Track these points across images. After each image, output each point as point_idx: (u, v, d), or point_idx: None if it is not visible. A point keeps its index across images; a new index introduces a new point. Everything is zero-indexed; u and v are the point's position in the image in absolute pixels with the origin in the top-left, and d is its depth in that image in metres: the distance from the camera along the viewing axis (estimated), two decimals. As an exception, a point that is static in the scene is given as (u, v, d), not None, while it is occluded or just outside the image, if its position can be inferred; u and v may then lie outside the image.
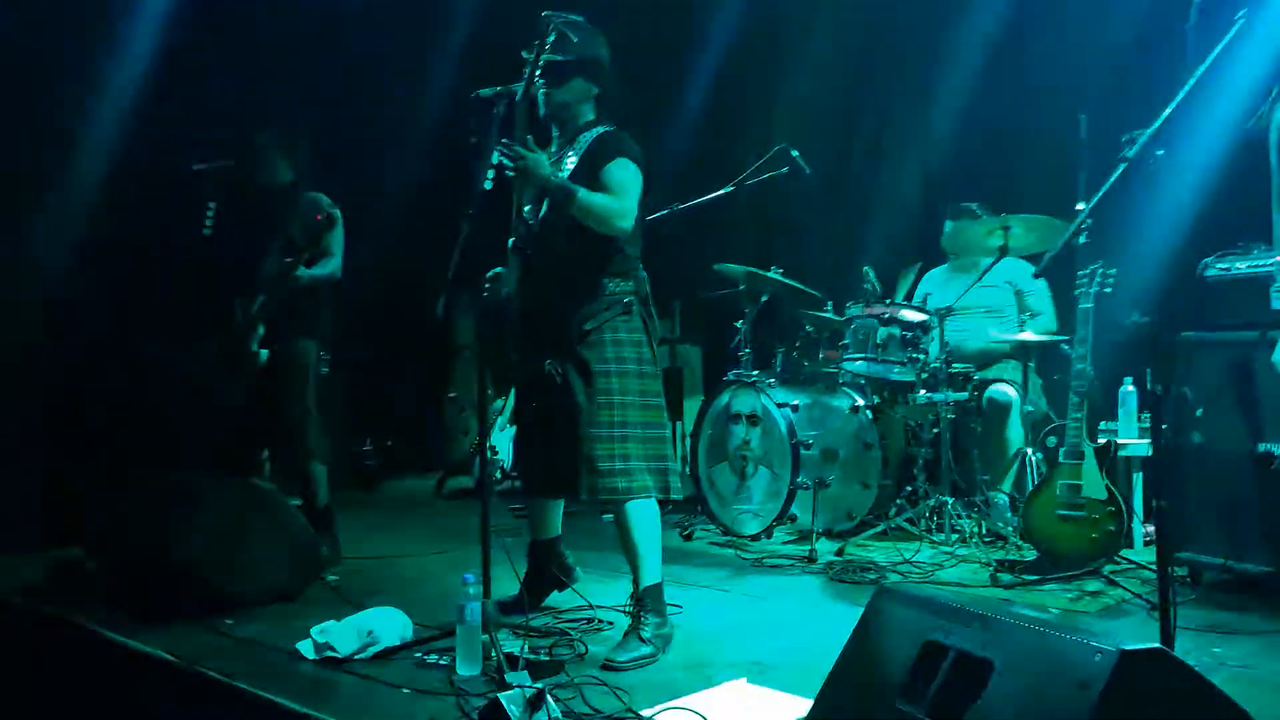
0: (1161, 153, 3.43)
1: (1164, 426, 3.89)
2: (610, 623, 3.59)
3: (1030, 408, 4.69)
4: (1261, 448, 3.66)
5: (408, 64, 7.12)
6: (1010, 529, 4.47)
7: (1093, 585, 3.96)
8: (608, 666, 3.15)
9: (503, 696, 2.65)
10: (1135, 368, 4.54)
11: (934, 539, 4.66)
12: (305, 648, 3.30)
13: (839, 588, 4.16)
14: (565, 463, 3.43)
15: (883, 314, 4.83)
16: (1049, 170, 4.97)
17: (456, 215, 3.39)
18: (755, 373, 5.12)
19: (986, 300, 5.02)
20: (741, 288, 5.22)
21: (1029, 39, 5.32)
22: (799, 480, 4.76)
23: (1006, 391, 4.72)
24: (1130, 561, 4.10)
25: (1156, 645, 1.91)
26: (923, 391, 4.78)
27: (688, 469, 5.24)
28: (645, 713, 2.73)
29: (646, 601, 3.39)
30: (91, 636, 3.57)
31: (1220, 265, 3.87)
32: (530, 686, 2.73)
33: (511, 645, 3.31)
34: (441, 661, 3.20)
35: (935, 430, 4.74)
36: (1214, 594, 3.77)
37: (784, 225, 5.96)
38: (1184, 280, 4.05)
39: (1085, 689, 1.86)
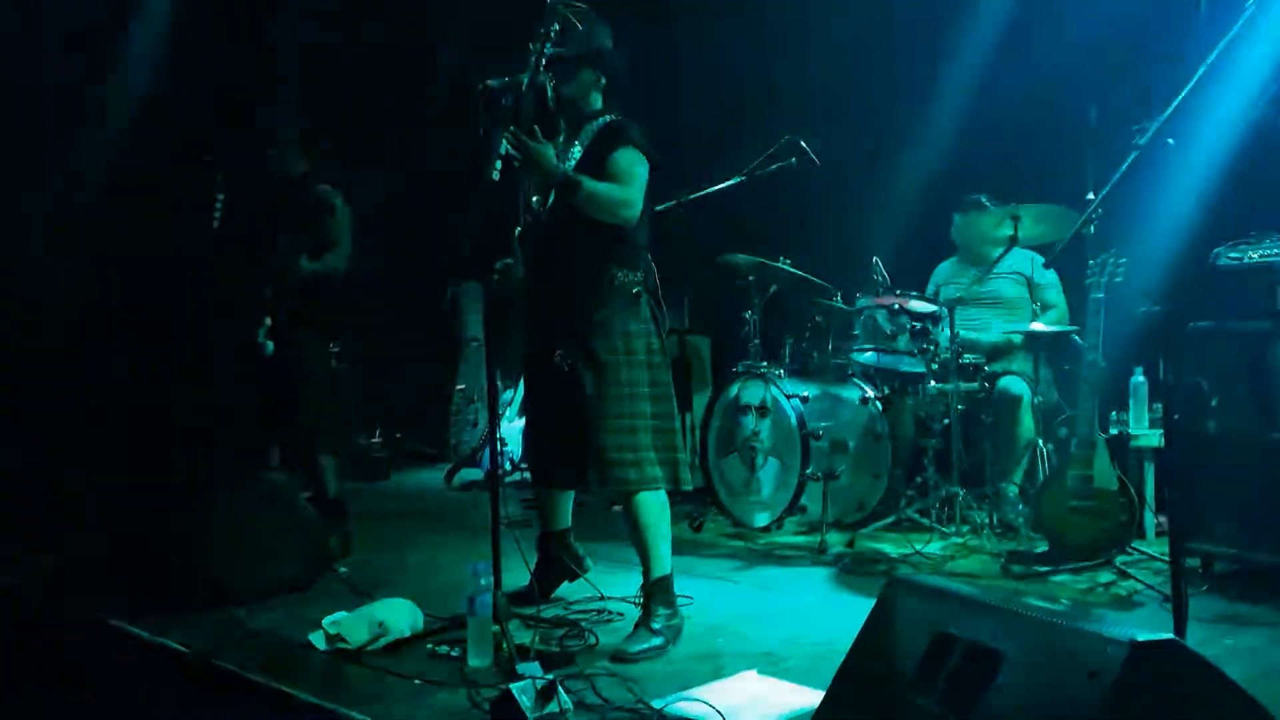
0: (1172, 141, 3.41)
1: (1176, 417, 3.87)
2: (621, 614, 3.59)
3: (1041, 399, 4.67)
4: (1275, 436, 3.64)
5: (414, 54, 7.12)
6: (1021, 520, 4.45)
7: (1105, 576, 3.95)
8: (618, 658, 3.16)
9: (514, 687, 2.67)
10: (1147, 358, 4.52)
11: (945, 530, 4.65)
12: (317, 639, 3.31)
13: (849, 579, 4.16)
14: (575, 454, 3.44)
15: (892, 305, 4.82)
16: (1058, 160, 4.94)
17: (464, 206, 3.39)
18: (764, 364, 5.11)
19: (996, 291, 5.00)
20: (751, 279, 5.20)
21: (1038, 28, 5.28)
22: (809, 471, 4.75)
23: (1018, 383, 4.70)
24: (1142, 552, 4.08)
25: (1169, 636, 1.90)
26: (933, 383, 4.77)
27: (697, 460, 5.23)
28: (656, 704, 2.74)
29: (656, 593, 3.39)
30: (103, 628, 3.58)
31: (1233, 254, 3.85)
32: (541, 677, 2.73)
33: (522, 636, 3.32)
34: (452, 653, 3.21)
35: (945, 421, 4.73)
36: (1227, 585, 3.75)
37: (793, 216, 5.94)
38: (1195, 269, 4.03)
39: (1097, 680, 1.85)
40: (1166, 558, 3.79)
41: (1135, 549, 4.07)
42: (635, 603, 3.52)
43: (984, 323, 4.98)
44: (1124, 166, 3.43)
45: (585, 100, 3.53)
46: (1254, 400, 3.74)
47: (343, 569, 4.34)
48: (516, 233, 3.67)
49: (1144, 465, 4.59)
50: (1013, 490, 4.65)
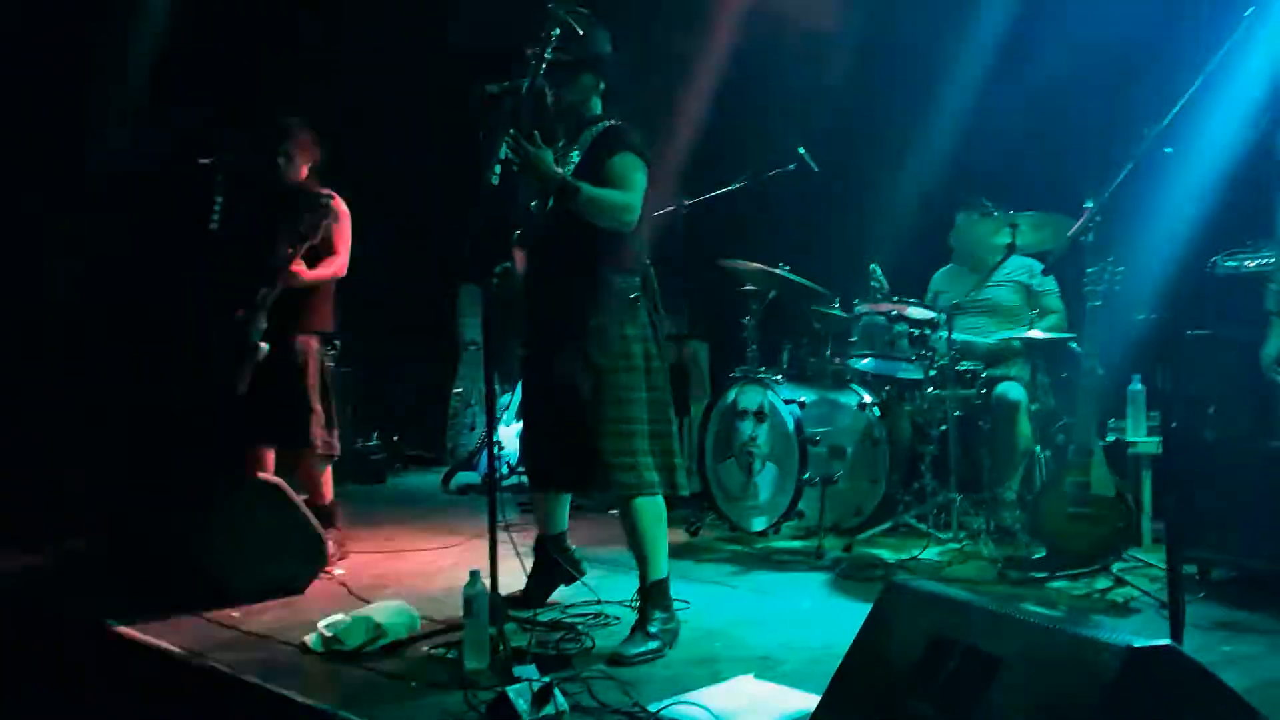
0: (1170, 150, 3.42)
1: (1173, 424, 3.89)
2: (617, 618, 3.59)
3: (1038, 405, 4.68)
4: (1272, 444, 3.65)
5: (412, 57, 7.12)
6: (1018, 526, 4.46)
7: (1102, 583, 3.95)
8: (615, 661, 3.15)
9: (510, 690, 2.66)
10: (1144, 365, 4.53)
11: (941, 536, 4.66)
12: (313, 641, 3.31)
13: (846, 584, 4.16)
14: (572, 458, 3.44)
15: (890, 311, 4.82)
16: (1057, 168, 4.95)
17: (462, 209, 3.39)
18: (762, 369, 5.11)
19: (994, 298, 5.00)
20: (749, 285, 5.21)
21: (1037, 36, 5.30)
22: (806, 477, 4.75)
23: (1015, 388, 4.71)
24: (1139, 559, 4.08)
25: (1166, 642, 1.91)
26: (930, 389, 4.77)
27: (694, 465, 5.23)
28: (652, 707, 2.73)
29: (653, 596, 3.39)
30: (98, 629, 3.57)
31: (1230, 263, 3.86)
32: (537, 680, 2.73)
33: (519, 639, 3.32)
34: (449, 655, 3.21)
35: (943, 427, 4.73)
36: (1224, 592, 3.76)
37: (792, 222, 5.94)
38: (1193, 278, 4.04)
39: (1094, 686, 1.86)
40: (1163, 564, 3.81)
41: (1132, 556, 4.08)
42: (632, 606, 3.51)
43: (981, 329, 4.98)
44: (1121, 175, 3.45)
45: (585, 105, 3.54)
46: (1251, 408, 3.75)
47: (339, 571, 4.35)
48: (515, 236, 3.67)
49: (1141, 472, 4.59)
50: (1010, 496, 4.65)
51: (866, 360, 4.96)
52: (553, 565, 3.82)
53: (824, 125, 5.69)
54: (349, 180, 4.79)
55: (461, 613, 3.11)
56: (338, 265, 4.55)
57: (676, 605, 3.48)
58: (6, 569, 4.33)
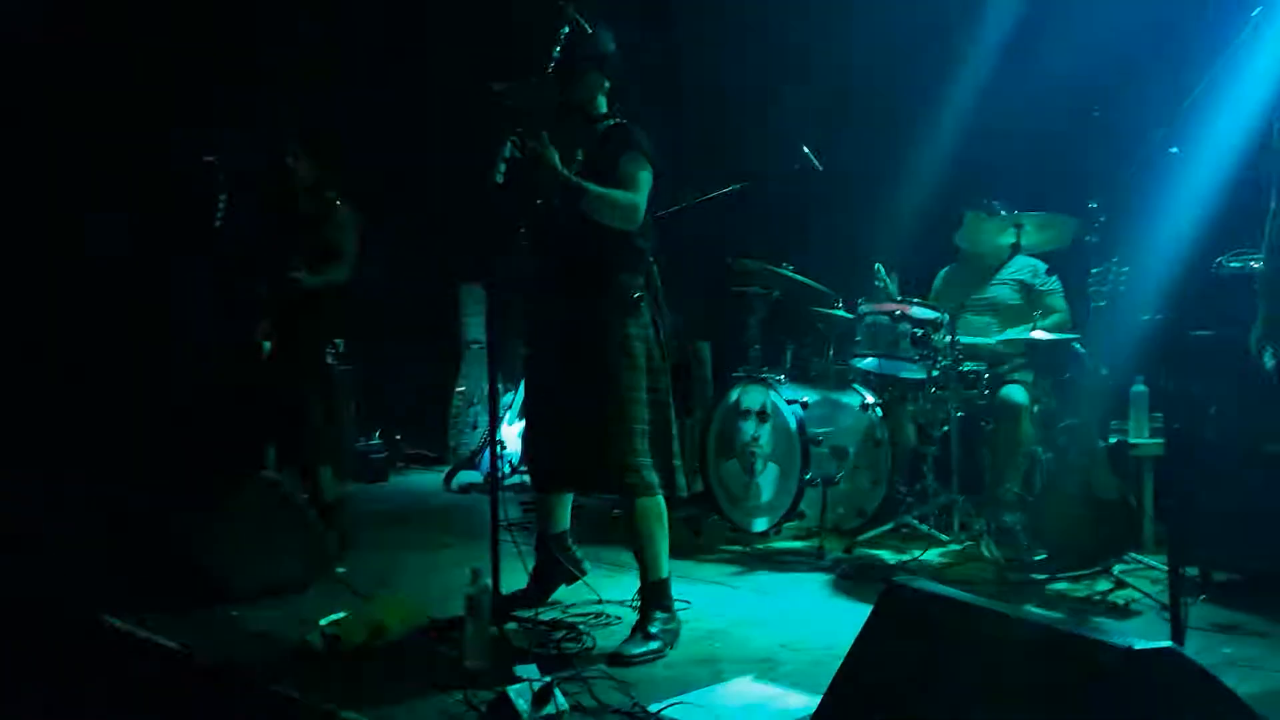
0: (1176, 150, 3.42)
1: (1176, 426, 3.88)
2: (618, 618, 3.59)
3: (1040, 407, 4.67)
4: (1274, 447, 3.64)
5: (418, 55, 7.12)
6: (1020, 528, 4.45)
7: (1103, 585, 3.95)
8: (615, 661, 3.15)
9: (510, 689, 2.67)
10: (1148, 366, 4.52)
11: (943, 537, 4.65)
12: (315, 639, 3.31)
13: (847, 585, 4.15)
14: (574, 457, 3.44)
15: (894, 311, 4.82)
16: (1062, 168, 4.95)
17: (467, 208, 3.39)
18: (765, 369, 5.11)
19: (998, 298, 4.99)
20: (753, 285, 5.20)
21: (1043, 37, 5.29)
22: (808, 477, 4.74)
23: (1019, 390, 4.70)
24: (1140, 561, 4.08)
25: (1168, 644, 1.90)
26: (933, 389, 4.76)
27: (696, 465, 5.23)
28: (653, 708, 2.73)
29: (654, 597, 3.39)
30: (101, 626, 3.58)
31: (1235, 264, 3.85)
32: (538, 680, 2.73)
33: (520, 639, 3.32)
34: (450, 654, 3.20)
35: (945, 428, 4.73)
36: (1225, 594, 3.75)
37: (795, 222, 5.94)
38: (1198, 278, 4.03)
39: (1095, 688, 1.85)
40: (1165, 566, 3.80)
41: (1133, 558, 4.07)
42: (633, 606, 3.51)
43: (985, 330, 4.97)
44: (1127, 175, 3.45)
45: (591, 103, 3.54)
46: (1254, 410, 3.74)
47: (341, 570, 4.34)
48: (520, 235, 3.67)
49: (1143, 474, 4.58)
50: (1011, 498, 4.64)
51: (869, 360, 4.95)
52: (554, 565, 3.82)
53: (828, 124, 5.68)
54: (351, 179, 4.80)
55: (463, 611, 3.11)
56: (343, 272, 4.55)
57: (678, 605, 3.48)
58: (6, 568, 4.33)
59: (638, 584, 3.47)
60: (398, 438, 7.66)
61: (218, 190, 4.60)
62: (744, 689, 2.92)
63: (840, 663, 2.37)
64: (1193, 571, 3.83)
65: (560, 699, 2.70)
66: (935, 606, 2.29)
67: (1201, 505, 3.74)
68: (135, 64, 6.00)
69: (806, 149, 5.05)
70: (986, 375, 4.77)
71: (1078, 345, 4.44)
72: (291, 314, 4.48)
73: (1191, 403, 3.88)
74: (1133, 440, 4.51)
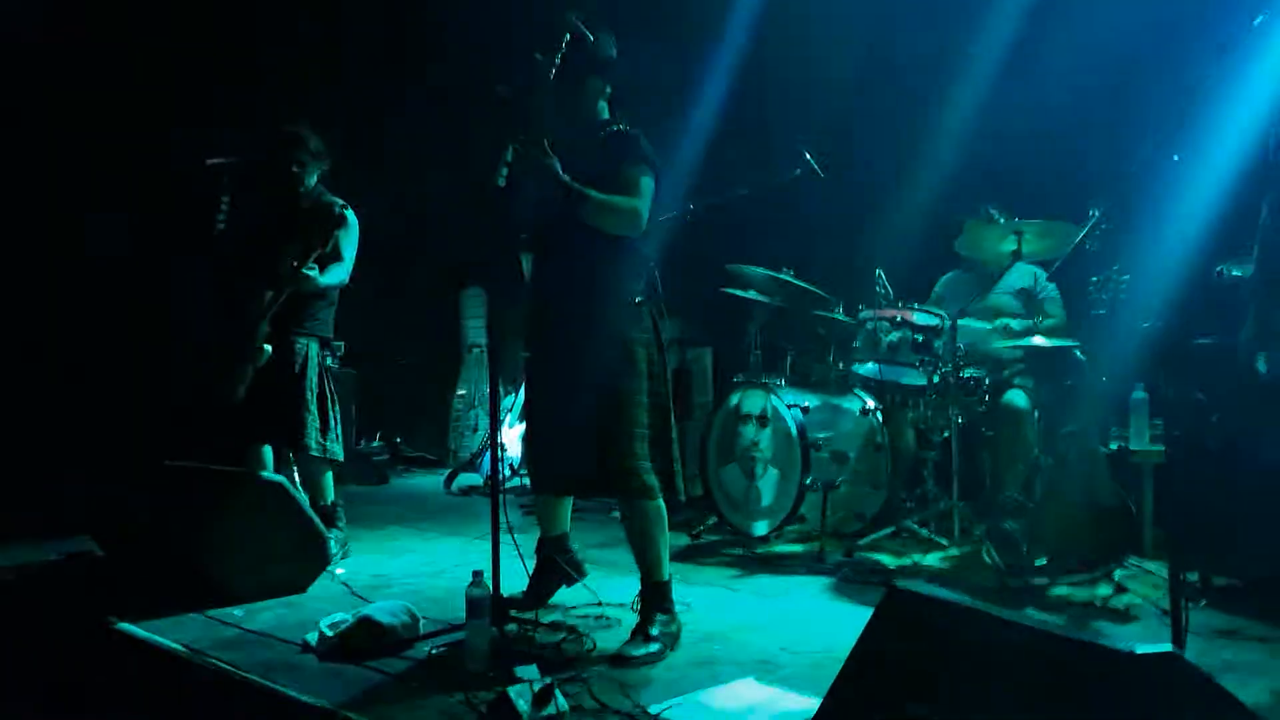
0: (1178, 158, 3.42)
1: (1176, 432, 3.88)
2: (619, 619, 3.59)
3: (1041, 412, 4.67)
4: (1275, 453, 3.64)
5: (420, 62, 7.13)
6: (1020, 533, 4.45)
7: (1103, 590, 3.94)
8: (616, 662, 3.15)
9: (511, 690, 2.67)
10: (1148, 373, 4.52)
11: (943, 542, 4.65)
12: (314, 640, 3.31)
13: (848, 589, 4.16)
14: (574, 461, 3.45)
15: (894, 317, 4.82)
16: (1063, 175, 4.96)
17: (468, 212, 3.40)
18: (766, 374, 5.11)
19: (998, 305, 5.00)
20: (754, 290, 5.21)
21: (1045, 44, 5.30)
22: (808, 481, 4.75)
23: (1020, 395, 4.71)
24: (1141, 566, 4.08)
25: (1168, 648, 1.90)
26: (934, 395, 4.77)
27: (697, 469, 5.23)
28: (653, 709, 2.74)
29: (654, 599, 3.40)
30: (100, 627, 3.58)
31: (1236, 271, 3.86)
32: (538, 681, 2.73)
33: (520, 640, 3.32)
34: (450, 656, 3.21)
35: (946, 434, 4.73)
36: (1226, 600, 3.75)
37: (796, 227, 5.95)
38: (1198, 285, 4.03)
39: (1096, 692, 1.85)
40: (1165, 572, 3.80)
41: (1134, 563, 4.08)
42: (633, 608, 3.51)
43: (983, 335, 4.98)
44: (1127, 182, 3.46)
45: (593, 109, 3.54)
46: (1254, 416, 3.74)
47: (340, 571, 4.35)
48: (522, 239, 3.68)
49: (1144, 480, 4.59)
50: (1012, 503, 4.65)
51: (870, 366, 4.96)
52: (554, 567, 3.82)
53: (830, 131, 5.70)
54: (352, 183, 4.80)
55: (464, 613, 3.11)
56: (343, 272, 4.55)
57: (678, 608, 3.48)
58: (8, 568, 4.33)
59: (638, 586, 3.47)
60: (398, 440, 7.68)
61: (220, 192, 4.61)
62: (744, 691, 2.92)
63: (840, 666, 2.38)
64: (1193, 577, 3.83)
65: (560, 700, 2.71)
66: (935, 611, 2.30)
67: (1201, 511, 3.75)
68: (135, 64, 6.01)
69: (809, 155, 5.06)
70: (987, 381, 4.78)
71: (1078, 352, 4.45)
72: (291, 318, 4.48)
73: (1192, 409, 3.88)
74: (1133, 447, 4.52)
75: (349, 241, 4.55)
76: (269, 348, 4.39)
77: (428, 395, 7.68)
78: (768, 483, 4.90)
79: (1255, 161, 3.73)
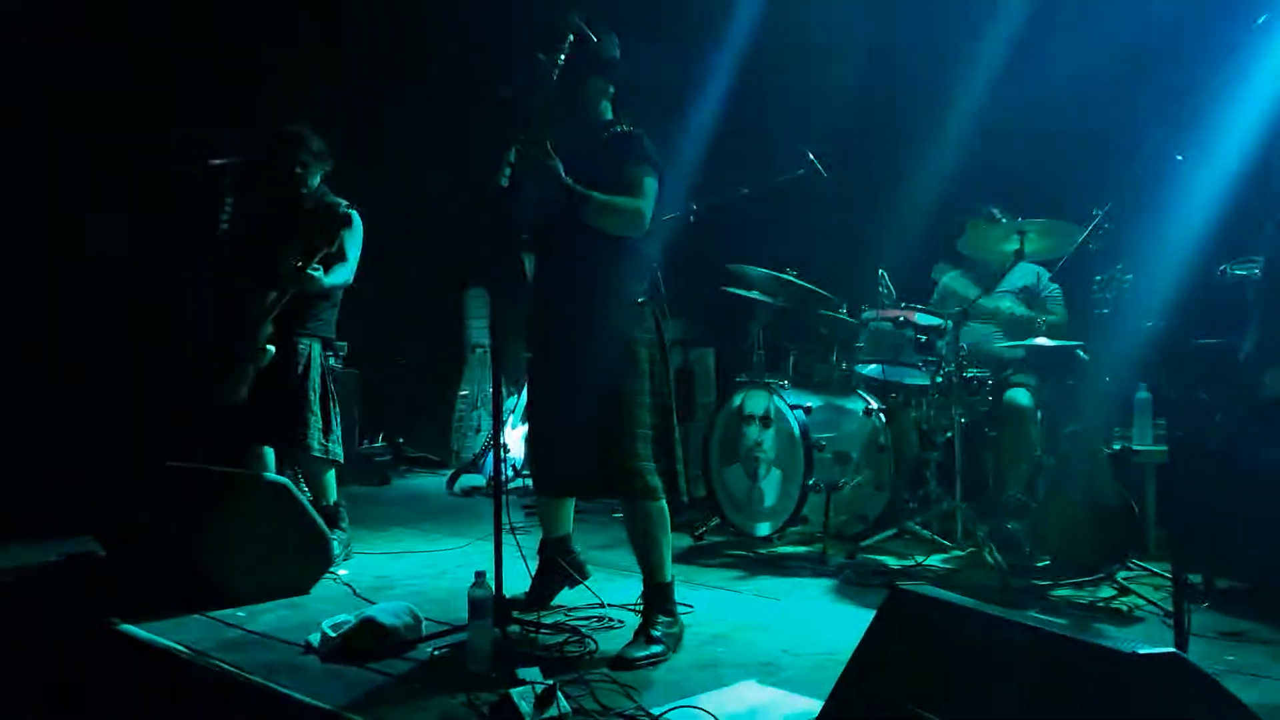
0: (1181, 158, 3.42)
1: (1179, 432, 3.88)
2: (621, 621, 3.58)
3: (1044, 413, 4.67)
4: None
5: (421, 62, 7.14)
6: (1023, 534, 4.45)
7: (1106, 591, 3.94)
8: (618, 664, 3.15)
9: (513, 692, 2.67)
10: (1151, 373, 4.52)
11: (946, 543, 4.65)
12: (317, 642, 3.31)
13: (850, 590, 4.15)
14: (577, 462, 3.44)
15: (897, 317, 4.82)
16: (1067, 175, 4.95)
17: (470, 212, 3.39)
18: (769, 374, 5.11)
19: (1001, 304, 5.00)
20: (756, 290, 5.21)
21: (1047, 44, 5.30)
22: (811, 482, 4.74)
23: (1023, 394, 4.70)
24: (1143, 568, 4.07)
25: (1171, 650, 1.90)
26: (937, 395, 4.76)
27: (699, 470, 5.23)
28: (656, 711, 2.73)
29: (657, 600, 3.39)
30: (103, 627, 3.58)
31: (1239, 270, 3.85)
32: (541, 683, 2.73)
33: (522, 642, 3.32)
34: (452, 657, 3.21)
35: (949, 434, 4.73)
36: (1228, 601, 3.75)
37: (799, 228, 5.95)
38: (1202, 285, 4.03)
39: (1098, 694, 1.85)
40: (1168, 573, 3.79)
41: (1137, 564, 4.07)
42: (635, 610, 3.51)
43: (986, 335, 4.98)
44: (1129, 183, 3.45)
45: (595, 107, 3.54)
46: (1257, 417, 3.74)
47: (343, 572, 4.35)
48: (524, 240, 3.68)
49: (1146, 480, 4.58)
50: (1015, 504, 4.64)
51: (873, 366, 4.95)
52: (557, 568, 3.82)
53: (833, 131, 5.69)
54: (352, 183, 4.80)
55: (466, 614, 3.11)
56: (347, 273, 4.56)
57: (680, 609, 3.48)
58: (7, 569, 4.33)
59: (640, 588, 3.46)
60: (400, 441, 7.68)
61: (224, 192, 4.61)
62: (747, 693, 2.92)
63: (843, 668, 2.38)
64: (1196, 578, 3.83)
65: (563, 702, 2.70)
66: (938, 612, 2.30)
67: (1204, 512, 3.75)
68: (135, 64, 6.02)
69: (811, 155, 5.06)
70: (990, 382, 4.78)
71: (1081, 352, 4.44)
72: (293, 318, 4.48)
73: (1195, 409, 3.88)
74: (1136, 447, 4.51)
75: (353, 242, 4.55)
76: (272, 348, 4.40)
77: (430, 396, 7.68)
78: (770, 483, 4.89)
79: (1256, 164, 3.73)
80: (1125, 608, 3.80)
